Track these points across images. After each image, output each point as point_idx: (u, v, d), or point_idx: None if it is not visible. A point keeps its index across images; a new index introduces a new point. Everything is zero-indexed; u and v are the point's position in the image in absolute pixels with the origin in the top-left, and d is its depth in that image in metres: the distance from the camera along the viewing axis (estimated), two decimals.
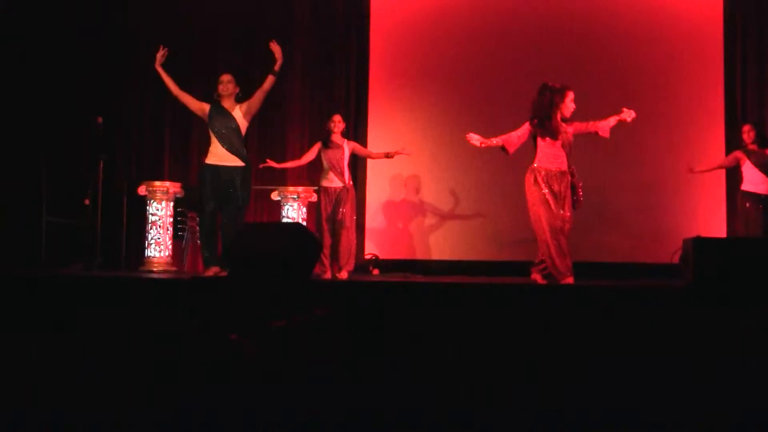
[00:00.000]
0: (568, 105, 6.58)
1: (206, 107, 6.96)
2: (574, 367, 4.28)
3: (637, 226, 8.79)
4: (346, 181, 7.33)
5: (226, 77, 6.93)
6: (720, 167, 8.16)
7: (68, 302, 5.52)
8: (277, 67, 6.86)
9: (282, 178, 8.87)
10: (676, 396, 3.52)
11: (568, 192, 6.59)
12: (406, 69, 9.05)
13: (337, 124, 7.37)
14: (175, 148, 9.05)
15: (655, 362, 4.31)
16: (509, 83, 8.83)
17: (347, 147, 7.41)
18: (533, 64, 8.84)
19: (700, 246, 5.82)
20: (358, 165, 8.74)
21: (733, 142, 8.68)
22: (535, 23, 8.97)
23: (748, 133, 7.91)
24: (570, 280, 6.48)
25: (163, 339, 4.24)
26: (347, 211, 7.29)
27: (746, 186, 7.85)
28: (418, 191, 8.93)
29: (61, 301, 5.58)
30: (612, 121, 6.59)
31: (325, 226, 7.26)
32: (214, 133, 6.89)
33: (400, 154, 7.52)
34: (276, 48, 6.85)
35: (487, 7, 9.09)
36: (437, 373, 4.06)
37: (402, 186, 8.87)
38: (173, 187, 8.05)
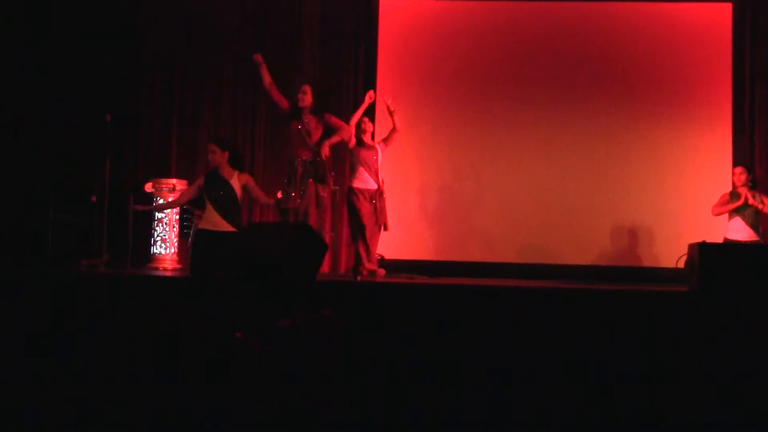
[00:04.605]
0: None
1: (201, 181, 6.63)
2: (577, 370, 4.29)
3: (642, 230, 8.77)
4: (380, 183, 7.34)
5: (210, 147, 6.57)
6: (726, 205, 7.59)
7: (74, 300, 5.54)
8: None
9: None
10: (681, 398, 3.53)
11: None
12: (413, 71, 9.03)
13: (367, 124, 7.41)
14: (183, 146, 9.06)
15: (659, 366, 4.32)
16: (517, 86, 8.85)
17: (380, 150, 7.42)
18: (541, 68, 8.86)
19: (705, 251, 5.82)
20: None
21: (740, 148, 8.66)
22: (543, 28, 8.95)
23: (738, 176, 7.53)
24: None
25: (168, 336, 4.25)
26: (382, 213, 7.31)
27: (729, 234, 7.49)
28: (425, 192, 8.92)
29: (68, 298, 5.60)
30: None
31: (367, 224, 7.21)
32: (209, 199, 6.53)
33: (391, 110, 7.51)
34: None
35: (496, 12, 9.06)
36: (439, 373, 4.07)
37: (409, 187, 8.86)
38: (180, 185, 8.06)
